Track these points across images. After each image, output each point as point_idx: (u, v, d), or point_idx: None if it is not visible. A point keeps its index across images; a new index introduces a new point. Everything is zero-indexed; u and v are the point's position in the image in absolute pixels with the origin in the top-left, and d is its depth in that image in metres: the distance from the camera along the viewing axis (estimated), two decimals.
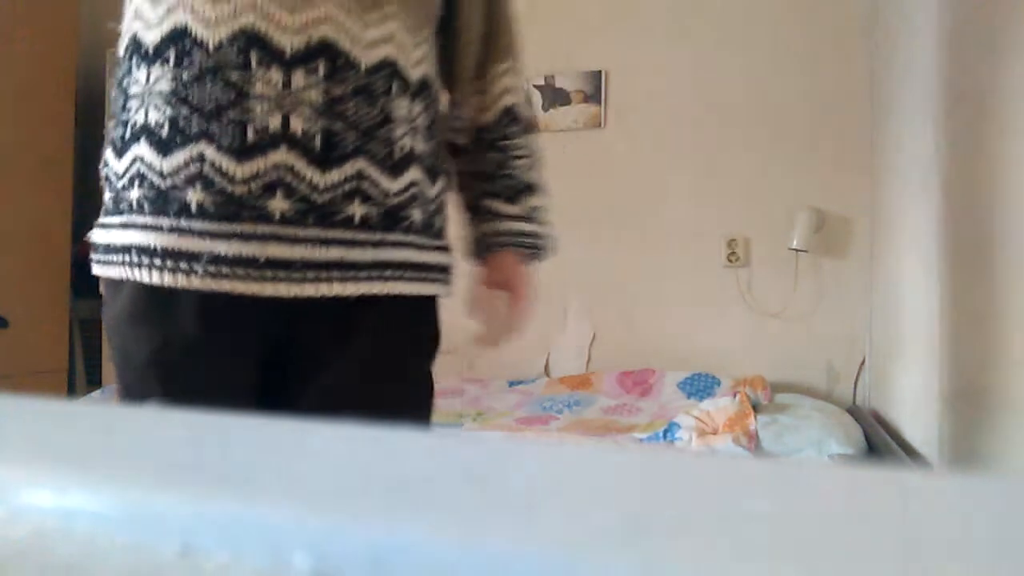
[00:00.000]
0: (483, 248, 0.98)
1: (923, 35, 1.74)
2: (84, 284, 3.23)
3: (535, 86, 2.84)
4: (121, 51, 0.83)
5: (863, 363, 2.46)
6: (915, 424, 1.82)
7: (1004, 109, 1.18)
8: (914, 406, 1.83)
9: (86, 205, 3.29)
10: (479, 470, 0.22)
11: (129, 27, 0.81)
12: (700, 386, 2.48)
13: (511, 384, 2.68)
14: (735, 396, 1.94)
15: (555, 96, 2.83)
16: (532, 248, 0.99)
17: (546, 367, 2.82)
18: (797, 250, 2.51)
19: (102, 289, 0.85)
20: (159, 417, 0.29)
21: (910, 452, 1.79)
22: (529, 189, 0.98)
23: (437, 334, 0.93)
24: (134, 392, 0.81)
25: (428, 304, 0.91)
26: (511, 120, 0.98)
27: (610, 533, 0.17)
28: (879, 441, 1.89)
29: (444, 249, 0.91)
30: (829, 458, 1.76)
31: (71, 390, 3.16)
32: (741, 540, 0.17)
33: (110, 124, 0.84)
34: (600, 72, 2.81)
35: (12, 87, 2.84)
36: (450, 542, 0.17)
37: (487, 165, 0.97)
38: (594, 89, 2.79)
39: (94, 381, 3.23)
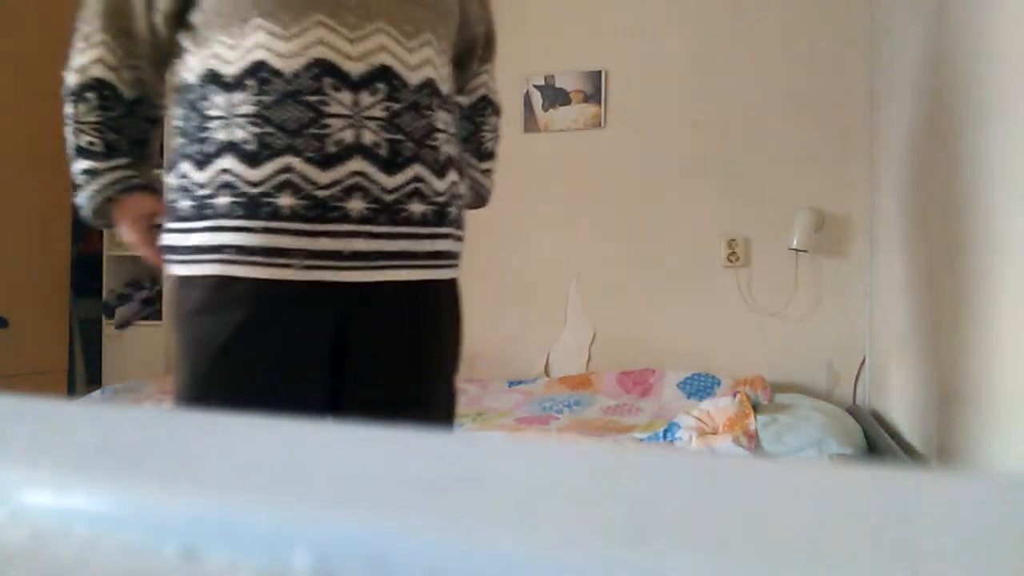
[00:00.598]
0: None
1: (922, 35, 1.74)
2: (84, 284, 3.23)
3: (535, 86, 2.84)
4: (191, 79, 0.95)
5: (863, 363, 2.46)
6: (915, 424, 1.82)
7: (1003, 109, 1.18)
8: (914, 406, 1.83)
9: None
10: (479, 470, 0.22)
11: (203, 64, 0.94)
12: (700, 386, 2.48)
13: (511, 384, 2.68)
14: (735, 396, 1.94)
15: (555, 96, 2.83)
16: (479, 196, 1.24)
17: (546, 367, 2.82)
18: (797, 250, 2.51)
19: (177, 286, 0.95)
20: (159, 417, 0.29)
21: (910, 452, 1.79)
22: (490, 156, 1.26)
23: (461, 310, 1.10)
24: (210, 373, 0.90)
25: (456, 287, 1.08)
26: (486, 104, 1.24)
27: (610, 533, 0.17)
28: (879, 441, 1.89)
29: (463, 236, 1.08)
30: (829, 458, 1.76)
31: (71, 390, 3.16)
32: (741, 540, 0.17)
33: (181, 140, 0.96)
34: (600, 72, 2.81)
35: (12, 87, 2.84)
36: (450, 542, 0.17)
37: (463, 131, 1.18)
38: (594, 89, 2.79)
39: (94, 381, 3.23)
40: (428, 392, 1.03)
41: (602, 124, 2.80)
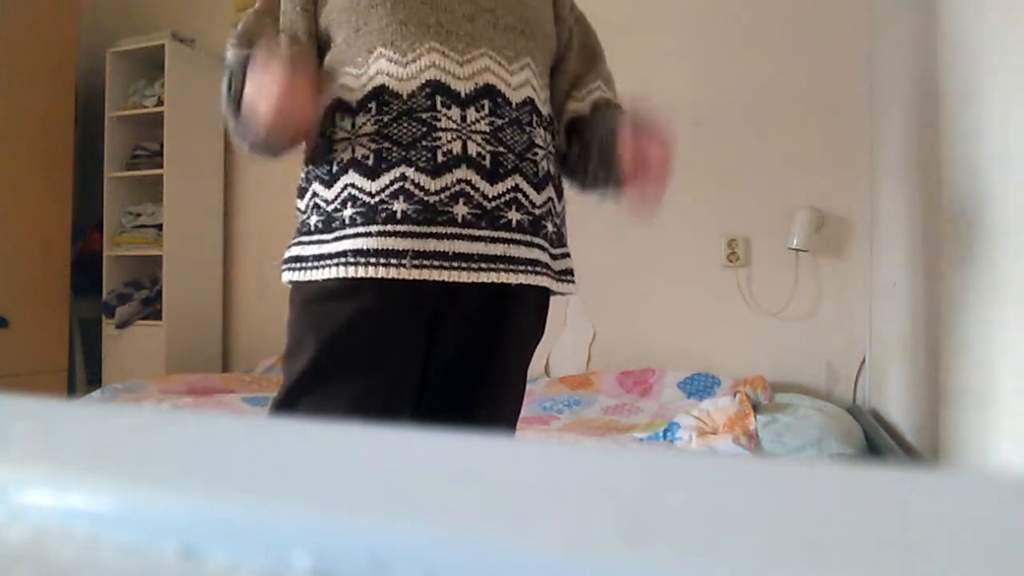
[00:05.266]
0: (609, 142, 1.06)
1: (921, 36, 1.74)
2: (84, 284, 3.23)
3: None
4: (322, 111, 1.02)
5: (863, 363, 2.46)
6: (915, 424, 1.82)
7: (1001, 109, 1.18)
8: (914, 406, 1.83)
9: (86, 205, 3.30)
10: (479, 470, 0.22)
11: (331, 95, 1.02)
12: (700, 386, 2.48)
13: None
14: (735, 396, 1.94)
15: None
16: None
17: (546, 367, 2.82)
18: (797, 250, 2.51)
19: (296, 288, 1.03)
20: (159, 417, 0.29)
21: (910, 452, 1.79)
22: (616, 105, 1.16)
23: (545, 324, 1.17)
24: (331, 350, 0.98)
25: (547, 301, 1.14)
26: (607, 105, 1.15)
27: (610, 533, 0.17)
28: (879, 441, 1.89)
29: (568, 256, 1.14)
30: (829, 458, 1.76)
31: (71, 390, 3.16)
32: (741, 540, 0.17)
33: (309, 167, 1.06)
34: None
35: (12, 87, 2.84)
36: (450, 542, 0.17)
37: (592, 114, 1.13)
38: None
39: (94, 381, 3.23)
40: (498, 393, 1.10)
41: None
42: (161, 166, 3.16)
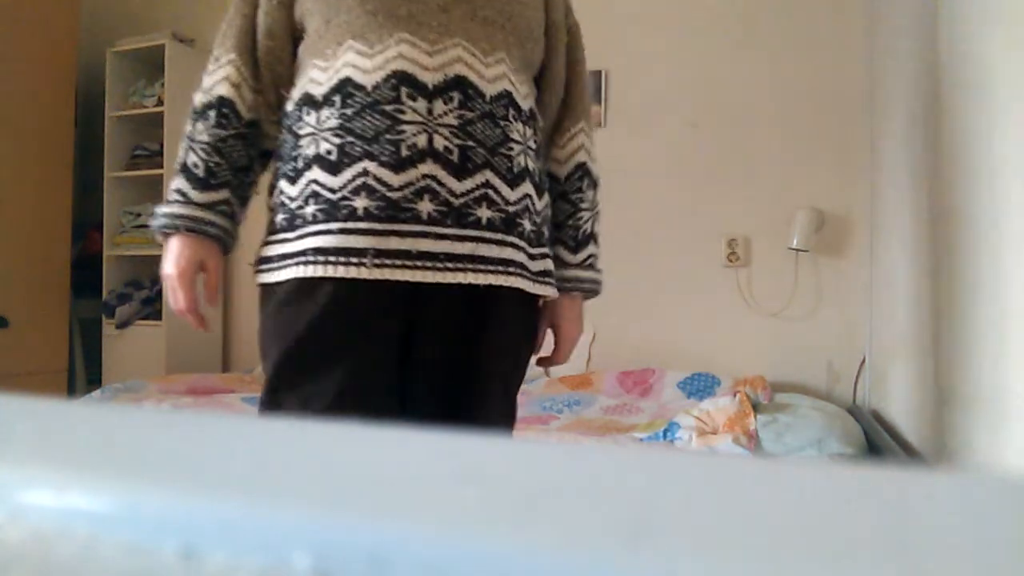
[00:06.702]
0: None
1: (921, 35, 1.74)
2: (84, 284, 3.23)
3: None
4: (289, 107, 1.03)
5: (863, 363, 2.46)
6: (915, 424, 1.82)
7: (1000, 109, 1.18)
8: (914, 406, 1.83)
9: (86, 205, 3.29)
10: (479, 470, 0.22)
11: (300, 89, 1.01)
12: (700, 386, 2.48)
13: None
14: (735, 396, 1.94)
15: None
16: (587, 292, 1.17)
17: None
18: (797, 250, 2.51)
19: (262, 292, 1.02)
20: (159, 417, 0.29)
21: (910, 452, 1.79)
22: (590, 240, 1.16)
23: (536, 332, 1.13)
24: (298, 352, 0.97)
25: (534, 303, 1.10)
26: (583, 175, 1.15)
27: (610, 533, 0.17)
28: (879, 441, 1.89)
29: (548, 256, 1.09)
30: (829, 458, 1.76)
31: (71, 390, 3.16)
32: (741, 540, 0.17)
33: (278, 164, 1.04)
34: (600, 72, 2.81)
35: (13, 88, 2.84)
36: (450, 542, 0.17)
37: (558, 214, 1.15)
38: (594, 89, 2.79)
39: (94, 381, 3.23)
40: (483, 398, 1.05)
41: (602, 124, 2.80)
42: (161, 166, 3.16)
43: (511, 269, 1.00)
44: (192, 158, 1.03)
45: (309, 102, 0.99)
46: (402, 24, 0.97)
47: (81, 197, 3.23)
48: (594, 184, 1.17)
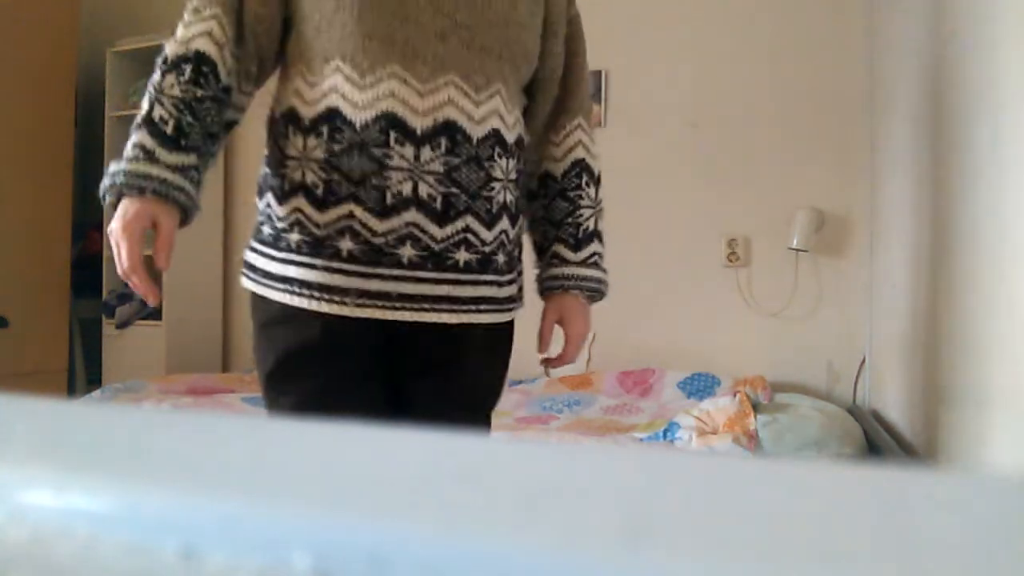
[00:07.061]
0: (549, 288, 1.15)
1: (921, 34, 1.74)
2: (84, 284, 3.23)
3: None
4: (276, 115, 1.02)
5: (863, 363, 2.46)
6: (915, 424, 1.82)
7: (1000, 108, 1.18)
8: (914, 406, 1.83)
9: (86, 205, 3.29)
10: (479, 470, 0.22)
11: (287, 100, 1.00)
12: (700, 386, 2.48)
13: (511, 384, 2.68)
14: (735, 396, 1.94)
15: None
16: (591, 291, 1.15)
17: None
18: (797, 250, 2.51)
19: (253, 300, 1.04)
20: (159, 417, 0.29)
21: (910, 452, 1.79)
22: (592, 237, 1.14)
23: (510, 350, 1.15)
24: (288, 364, 1.00)
25: (508, 327, 1.12)
26: (581, 171, 1.14)
27: (610, 533, 0.17)
28: (879, 441, 1.89)
29: (516, 280, 1.11)
30: (829, 458, 1.76)
31: (71, 390, 3.16)
32: (741, 540, 0.17)
33: (267, 171, 1.03)
34: (600, 72, 2.80)
35: (13, 88, 2.84)
36: (450, 542, 0.17)
37: (557, 212, 1.14)
38: (594, 89, 2.79)
39: (94, 381, 3.23)
40: (462, 424, 1.07)
41: (602, 124, 2.80)
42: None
43: (482, 307, 1.04)
44: (159, 112, 0.93)
45: (295, 120, 0.98)
46: (396, 54, 0.94)
47: (81, 197, 3.23)
48: (595, 180, 1.15)
